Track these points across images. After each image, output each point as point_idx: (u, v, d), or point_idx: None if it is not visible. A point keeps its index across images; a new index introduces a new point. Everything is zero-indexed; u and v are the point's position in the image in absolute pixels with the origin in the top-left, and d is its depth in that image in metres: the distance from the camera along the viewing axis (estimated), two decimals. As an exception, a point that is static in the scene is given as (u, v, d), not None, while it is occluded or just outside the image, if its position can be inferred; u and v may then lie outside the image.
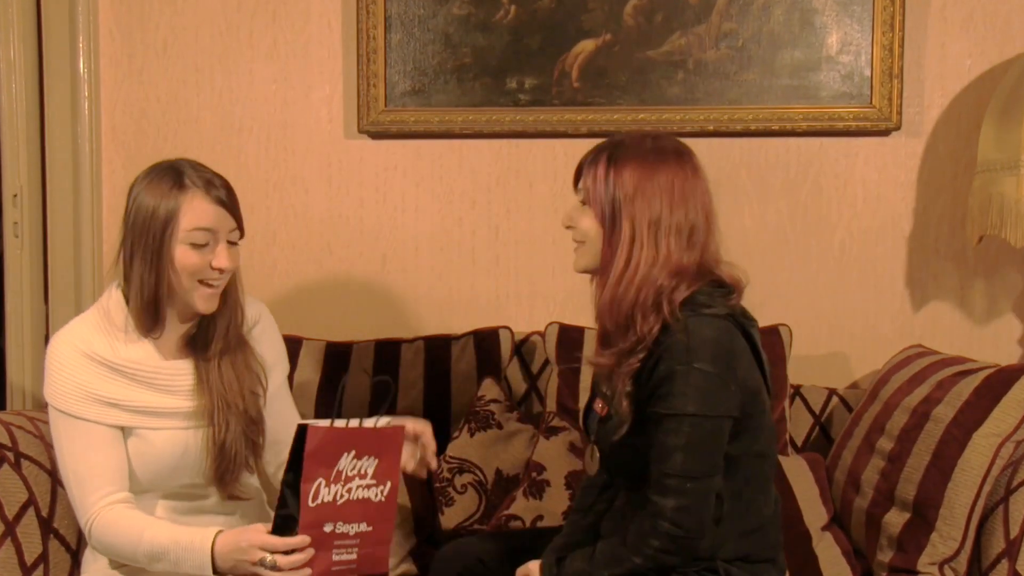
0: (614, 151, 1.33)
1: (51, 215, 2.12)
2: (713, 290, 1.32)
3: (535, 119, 2.04)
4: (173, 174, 1.36)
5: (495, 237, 2.11)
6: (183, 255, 1.34)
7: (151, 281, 1.34)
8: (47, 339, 2.12)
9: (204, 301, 1.37)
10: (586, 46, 2.02)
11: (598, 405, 1.42)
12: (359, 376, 1.73)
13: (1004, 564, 1.50)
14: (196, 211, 1.33)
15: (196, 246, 1.34)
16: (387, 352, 1.97)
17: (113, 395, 1.36)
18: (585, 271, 1.38)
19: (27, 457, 1.55)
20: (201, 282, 1.35)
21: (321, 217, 2.13)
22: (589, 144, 2.02)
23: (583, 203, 1.35)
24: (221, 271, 1.35)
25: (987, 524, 1.57)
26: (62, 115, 2.10)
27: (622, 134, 1.38)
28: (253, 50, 2.12)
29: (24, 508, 1.50)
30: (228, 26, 2.12)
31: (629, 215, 1.29)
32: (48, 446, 1.61)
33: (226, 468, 1.41)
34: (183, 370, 1.41)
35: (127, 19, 2.13)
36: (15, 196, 2.08)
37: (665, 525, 1.25)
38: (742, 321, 1.33)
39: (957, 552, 1.55)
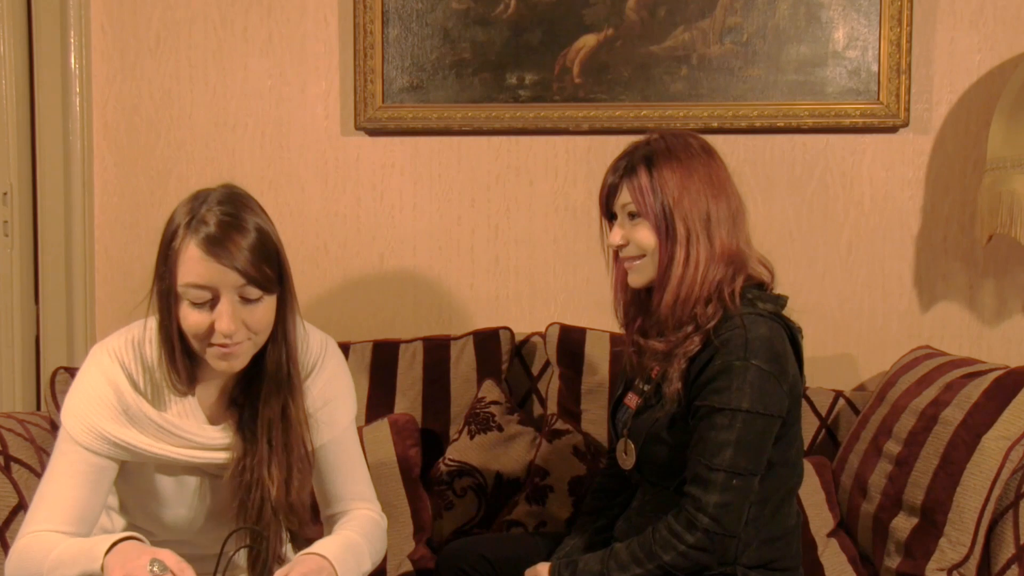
0: (648, 158, 1.33)
1: (42, 214, 2.10)
2: (759, 290, 1.34)
3: (535, 115, 2.02)
4: (190, 208, 1.16)
5: (495, 236, 2.08)
6: (184, 313, 1.15)
7: (168, 339, 1.18)
8: (37, 340, 2.13)
9: (218, 361, 1.17)
10: (588, 41, 2.00)
11: (630, 399, 1.41)
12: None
13: (1014, 570, 1.49)
14: (187, 263, 1.13)
15: (195, 305, 1.14)
16: (385, 353, 1.95)
17: (128, 439, 1.21)
18: (646, 285, 1.36)
19: (17, 460, 1.54)
20: (211, 344, 1.16)
21: (317, 216, 2.11)
22: (591, 141, 2.07)
23: (632, 217, 1.34)
24: (225, 335, 1.14)
25: (997, 529, 1.55)
26: (53, 112, 2.08)
27: (638, 142, 1.37)
28: (248, 45, 2.09)
29: (14, 513, 1.48)
30: (222, 20, 2.09)
31: (681, 216, 1.30)
32: (39, 449, 1.60)
33: (257, 555, 1.25)
34: (221, 436, 1.25)
35: (119, 14, 2.10)
36: (5, 194, 2.06)
37: (705, 520, 1.24)
38: (789, 324, 1.34)
39: (966, 557, 1.54)
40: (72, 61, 2.08)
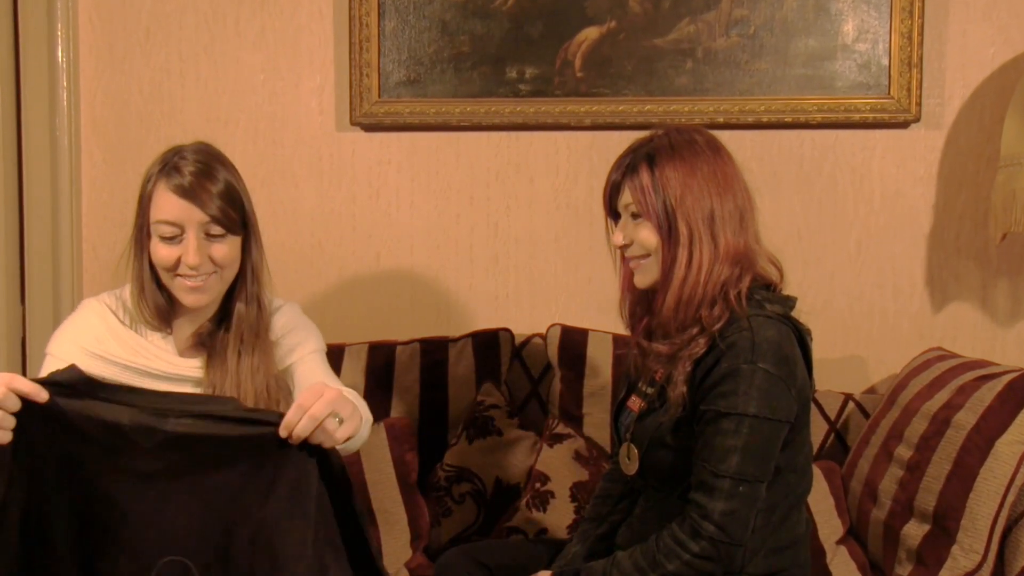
0: (650, 156, 1.31)
1: (28, 211, 2.07)
2: (767, 291, 1.32)
3: (536, 111, 2.00)
4: (165, 158, 1.33)
5: (494, 234, 2.06)
6: (154, 248, 1.32)
7: (139, 274, 1.34)
8: (24, 342, 2.10)
9: (185, 294, 1.31)
10: (590, 34, 1.98)
11: (633, 402, 1.40)
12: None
13: (1029, 578, 1.47)
14: (159, 202, 1.30)
15: (164, 239, 1.31)
16: (381, 355, 1.93)
17: (106, 349, 1.33)
18: (652, 285, 1.34)
19: (2, 467, 1.50)
20: (178, 275, 1.32)
21: (312, 213, 2.09)
22: (593, 137, 2.03)
23: (635, 217, 1.33)
24: (191, 267, 1.29)
25: (1011, 536, 1.54)
26: (39, 107, 2.05)
27: (643, 138, 1.36)
28: (240, 38, 2.07)
29: None
30: (214, 13, 2.07)
31: (684, 216, 1.28)
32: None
33: None
34: (194, 366, 1.36)
35: (107, 6, 2.08)
36: (-9, 191, 2.01)
37: (710, 528, 1.22)
38: (798, 326, 1.32)
39: (979, 565, 1.52)
40: (59, 55, 2.06)
